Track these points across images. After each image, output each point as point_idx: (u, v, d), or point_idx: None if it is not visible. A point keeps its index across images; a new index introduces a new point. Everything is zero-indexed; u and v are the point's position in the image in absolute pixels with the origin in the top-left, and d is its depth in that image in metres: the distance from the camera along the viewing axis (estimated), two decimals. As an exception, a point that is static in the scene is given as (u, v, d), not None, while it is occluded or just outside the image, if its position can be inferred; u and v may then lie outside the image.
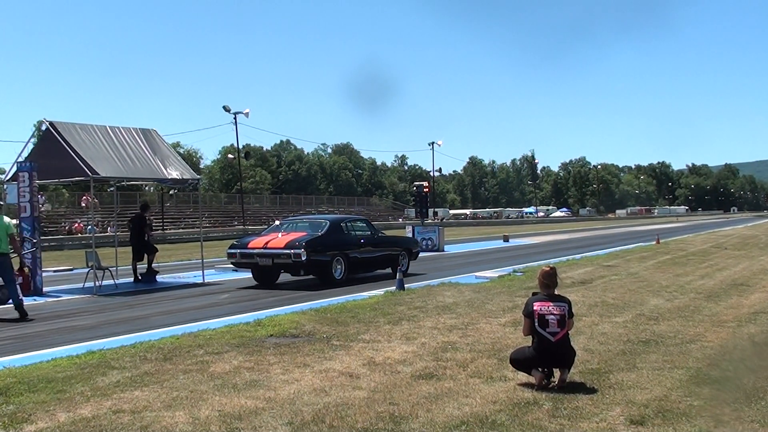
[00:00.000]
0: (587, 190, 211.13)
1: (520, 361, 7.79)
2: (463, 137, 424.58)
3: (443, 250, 34.04)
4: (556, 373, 7.62)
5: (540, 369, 7.58)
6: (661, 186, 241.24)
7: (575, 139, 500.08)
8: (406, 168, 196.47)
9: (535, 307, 7.67)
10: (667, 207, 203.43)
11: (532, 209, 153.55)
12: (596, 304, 13.73)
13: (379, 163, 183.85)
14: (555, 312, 7.62)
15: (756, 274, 19.64)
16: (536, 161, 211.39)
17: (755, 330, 10.86)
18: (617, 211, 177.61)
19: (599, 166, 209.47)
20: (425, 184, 40.67)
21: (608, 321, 11.75)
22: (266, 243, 18.99)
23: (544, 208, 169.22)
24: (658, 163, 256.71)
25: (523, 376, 7.80)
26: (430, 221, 59.45)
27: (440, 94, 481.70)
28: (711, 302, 13.91)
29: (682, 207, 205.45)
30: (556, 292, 7.88)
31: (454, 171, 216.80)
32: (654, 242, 36.39)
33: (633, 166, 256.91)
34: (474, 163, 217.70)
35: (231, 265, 21.06)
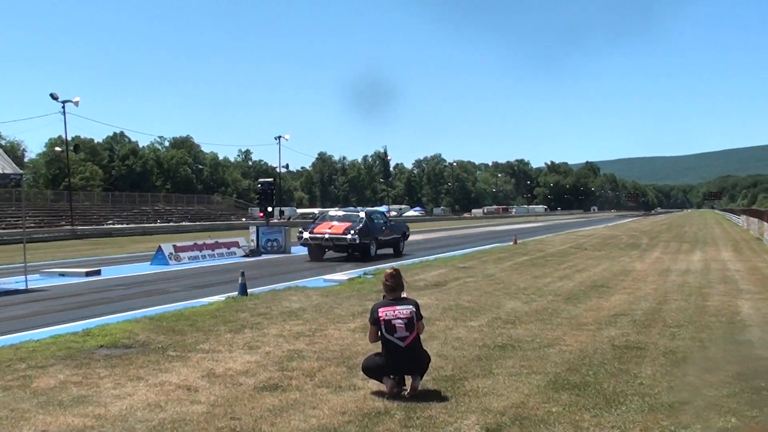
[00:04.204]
0: (442, 188, 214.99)
1: (371, 369, 7.88)
2: (312, 132, 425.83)
3: (290, 252, 33.93)
4: (409, 380, 7.73)
5: (391, 376, 7.68)
6: (519, 184, 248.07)
7: (430, 137, 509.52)
8: (250, 164, 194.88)
9: (379, 314, 7.76)
10: (526, 206, 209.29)
11: (383, 208, 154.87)
12: (450, 307, 14.01)
13: (221, 157, 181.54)
14: (401, 315, 7.73)
15: (616, 275, 20.48)
16: (389, 158, 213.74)
17: (615, 333, 11.31)
18: (473, 211, 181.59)
19: (455, 164, 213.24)
20: (271, 180, 40.44)
21: (463, 325, 12.01)
22: (328, 229, 29.08)
23: (397, 207, 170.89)
24: (517, 160, 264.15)
25: (374, 384, 7.90)
26: (275, 221, 59.16)
27: (289, 88, 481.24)
28: (570, 305, 14.42)
29: (541, 206, 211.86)
30: (403, 295, 8.00)
31: (302, 167, 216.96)
32: (511, 243, 37.42)
33: (490, 164, 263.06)
34: (323, 160, 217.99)
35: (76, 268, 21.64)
